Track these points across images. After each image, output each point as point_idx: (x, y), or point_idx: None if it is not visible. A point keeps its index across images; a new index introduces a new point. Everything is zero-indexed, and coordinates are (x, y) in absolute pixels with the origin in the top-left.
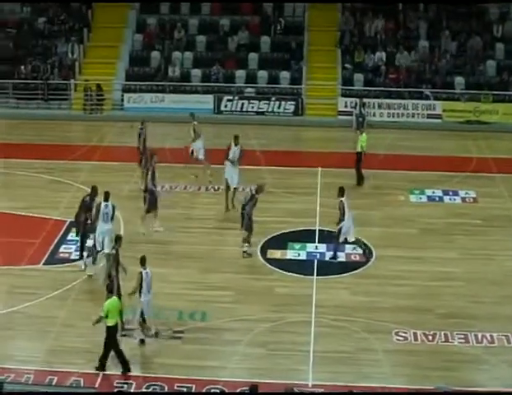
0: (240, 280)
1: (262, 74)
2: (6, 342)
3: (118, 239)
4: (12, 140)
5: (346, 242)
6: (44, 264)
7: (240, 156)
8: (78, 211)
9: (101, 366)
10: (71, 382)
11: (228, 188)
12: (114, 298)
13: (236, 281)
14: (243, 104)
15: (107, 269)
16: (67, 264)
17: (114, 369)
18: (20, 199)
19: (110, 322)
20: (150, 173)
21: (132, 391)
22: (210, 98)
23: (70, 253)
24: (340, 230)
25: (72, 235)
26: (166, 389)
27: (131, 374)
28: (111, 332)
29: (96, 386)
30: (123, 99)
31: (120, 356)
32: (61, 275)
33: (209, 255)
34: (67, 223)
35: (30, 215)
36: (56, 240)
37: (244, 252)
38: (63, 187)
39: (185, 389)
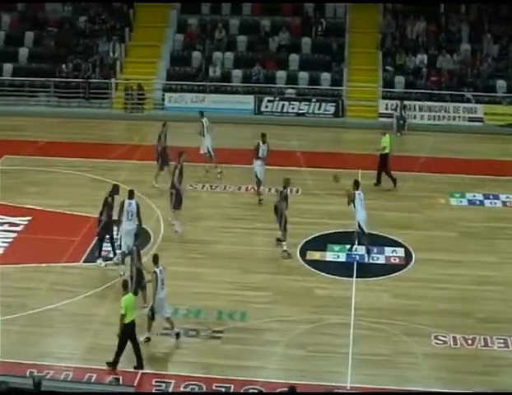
0: (280, 281)
1: (303, 75)
2: (46, 339)
3: (137, 236)
4: (54, 138)
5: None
6: (83, 262)
7: (268, 154)
8: (102, 209)
9: (114, 363)
10: (109, 379)
11: (259, 182)
12: (130, 294)
13: (275, 282)
14: (283, 105)
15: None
16: (107, 262)
17: (149, 367)
18: (62, 197)
19: (127, 320)
20: (177, 171)
21: (170, 390)
22: (250, 98)
23: (109, 251)
24: (359, 224)
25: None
26: (204, 389)
27: (169, 373)
28: (128, 328)
29: (135, 384)
30: (163, 99)
31: (137, 351)
32: (100, 273)
33: (249, 255)
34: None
35: (71, 213)
36: (96, 238)
37: (284, 251)
38: (104, 185)
39: (223, 389)
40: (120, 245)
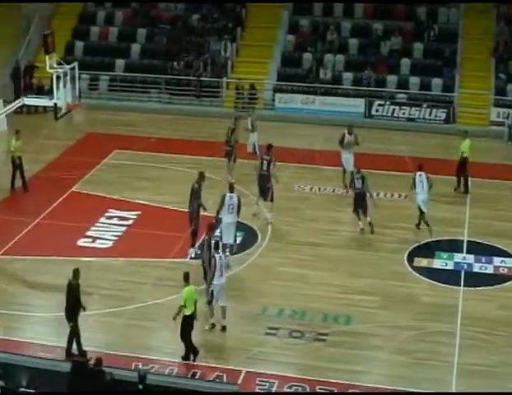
0: (386, 286)
1: (414, 80)
2: (152, 333)
3: (213, 227)
4: (165, 134)
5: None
6: (191, 258)
7: (355, 143)
8: (190, 199)
9: (187, 357)
10: (214, 376)
11: (344, 172)
12: (191, 287)
13: (382, 287)
14: (394, 109)
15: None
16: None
17: (253, 366)
18: (171, 193)
19: (187, 312)
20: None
21: (273, 390)
22: (361, 102)
23: None
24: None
25: (219, 231)
26: (308, 390)
27: (273, 373)
28: (187, 321)
29: (239, 382)
30: (273, 99)
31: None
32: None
33: (356, 259)
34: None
35: (179, 209)
36: (203, 235)
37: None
38: (212, 183)
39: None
40: (221, 238)
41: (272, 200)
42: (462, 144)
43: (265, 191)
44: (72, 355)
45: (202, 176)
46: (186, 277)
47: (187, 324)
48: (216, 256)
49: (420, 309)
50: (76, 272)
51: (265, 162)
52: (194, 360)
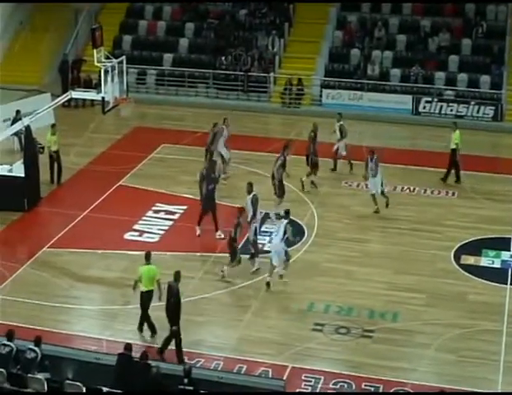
0: (433, 283)
1: (462, 77)
2: (199, 328)
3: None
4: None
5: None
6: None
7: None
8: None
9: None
10: (259, 372)
11: None
12: (151, 266)
13: (429, 284)
14: (441, 106)
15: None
16: (261, 255)
17: (299, 362)
18: (220, 189)
19: (142, 288)
20: (279, 162)
21: (319, 387)
22: (408, 98)
23: (264, 244)
24: None
25: (266, 227)
26: (354, 387)
27: (319, 369)
28: (143, 296)
29: (284, 378)
30: (321, 95)
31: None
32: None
33: (402, 256)
34: (262, 214)
35: (226, 204)
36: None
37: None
38: (260, 179)
39: (372, 389)
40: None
41: (279, 196)
42: (453, 136)
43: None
44: (162, 354)
45: (212, 165)
46: (147, 256)
47: (143, 299)
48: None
49: (466, 306)
50: (177, 275)
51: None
52: (152, 336)
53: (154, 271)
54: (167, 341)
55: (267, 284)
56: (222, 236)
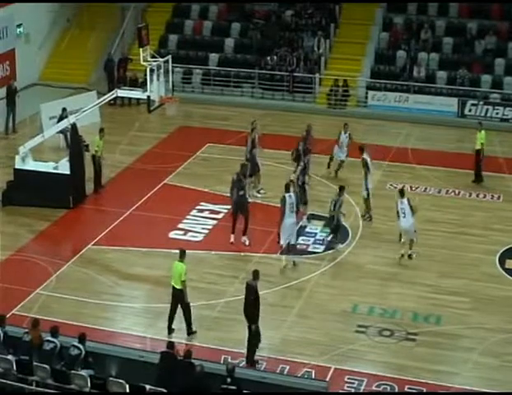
0: (478, 287)
1: (509, 80)
2: (243, 327)
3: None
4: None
5: None
6: (281, 253)
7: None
8: (231, 189)
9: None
10: (302, 373)
11: None
12: (178, 263)
13: (474, 288)
14: (487, 109)
15: None
16: (304, 256)
17: (343, 364)
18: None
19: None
20: (299, 168)
21: (362, 388)
22: (454, 101)
23: (308, 244)
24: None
25: (310, 228)
26: (397, 390)
27: (362, 371)
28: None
29: (327, 379)
30: (366, 97)
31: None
32: (298, 265)
33: (447, 259)
34: (307, 215)
35: (271, 204)
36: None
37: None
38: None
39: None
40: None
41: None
42: (479, 136)
43: None
44: (254, 363)
45: (244, 168)
46: (181, 254)
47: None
48: (286, 195)
49: (511, 311)
50: (255, 273)
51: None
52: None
53: (180, 269)
54: (251, 346)
55: (410, 256)
56: (247, 243)
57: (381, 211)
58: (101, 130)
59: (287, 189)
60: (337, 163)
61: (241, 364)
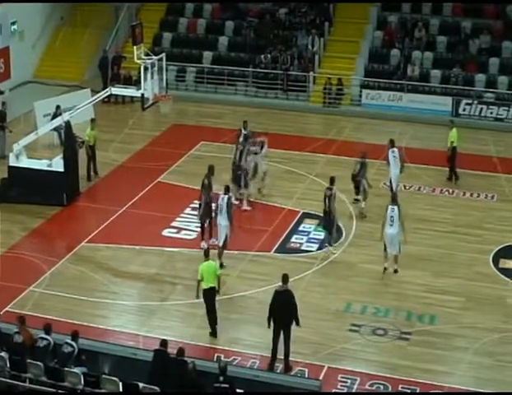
0: (472, 286)
1: (503, 80)
2: (236, 325)
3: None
4: (251, 127)
5: None
6: (274, 252)
7: None
8: (200, 193)
9: (213, 331)
10: (295, 371)
11: None
12: (210, 262)
13: (467, 288)
14: (481, 108)
15: None
16: (297, 254)
17: (335, 362)
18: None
19: (204, 286)
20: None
21: (355, 388)
22: (448, 100)
23: (301, 243)
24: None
25: (303, 226)
26: (390, 389)
27: (355, 370)
28: (206, 294)
29: (320, 378)
30: (360, 95)
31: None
32: (291, 264)
33: (441, 259)
34: (300, 213)
35: (264, 203)
36: (288, 230)
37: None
38: (298, 177)
39: (409, 391)
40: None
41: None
42: (450, 134)
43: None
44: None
45: (211, 170)
46: (206, 253)
47: (206, 297)
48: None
49: (505, 310)
50: (285, 277)
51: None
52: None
53: (214, 266)
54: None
55: (395, 271)
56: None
57: (375, 210)
58: (92, 120)
59: (394, 201)
60: None
61: (235, 363)
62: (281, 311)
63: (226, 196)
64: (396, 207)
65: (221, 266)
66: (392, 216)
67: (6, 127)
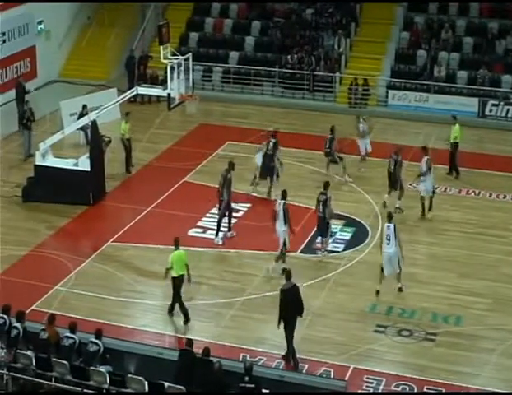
0: (497, 288)
1: None
2: (260, 326)
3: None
4: (278, 128)
5: None
6: (300, 252)
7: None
8: (221, 188)
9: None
10: (321, 372)
11: None
12: (180, 251)
13: (493, 289)
14: (508, 109)
15: None
16: (323, 254)
17: (362, 363)
18: (282, 187)
19: (174, 274)
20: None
21: (381, 388)
22: (475, 101)
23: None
24: None
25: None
26: (416, 390)
27: (381, 370)
28: (175, 282)
29: (346, 378)
30: (387, 96)
31: (182, 308)
32: (317, 264)
33: (468, 260)
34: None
35: (291, 203)
36: (314, 230)
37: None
38: (324, 178)
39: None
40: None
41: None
42: (453, 129)
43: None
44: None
45: (232, 165)
46: (176, 243)
47: (175, 285)
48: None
49: None
50: (288, 274)
51: (392, 161)
52: (186, 323)
53: (184, 255)
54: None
55: (400, 289)
56: (220, 242)
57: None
58: (127, 113)
59: (390, 219)
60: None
61: (260, 363)
62: (292, 308)
63: (283, 201)
64: (392, 225)
65: (284, 271)
66: (388, 234)
67: (30, 126)
